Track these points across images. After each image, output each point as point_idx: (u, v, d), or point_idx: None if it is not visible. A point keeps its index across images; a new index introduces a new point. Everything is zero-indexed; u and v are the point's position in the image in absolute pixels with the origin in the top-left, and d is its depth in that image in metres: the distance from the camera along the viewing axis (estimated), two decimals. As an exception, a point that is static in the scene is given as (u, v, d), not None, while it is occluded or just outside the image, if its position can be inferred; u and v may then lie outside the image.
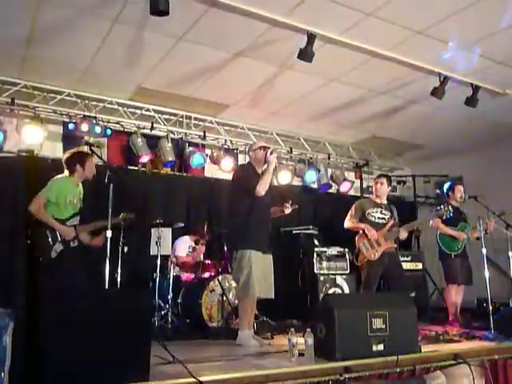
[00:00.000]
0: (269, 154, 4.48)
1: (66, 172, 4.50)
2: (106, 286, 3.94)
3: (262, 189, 4.35)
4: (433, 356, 3.59)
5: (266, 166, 4.50)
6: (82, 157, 4.52)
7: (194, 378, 2.64)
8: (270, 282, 4.43)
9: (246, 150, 5.58)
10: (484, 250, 4.96)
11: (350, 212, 5.43)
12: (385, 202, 5.47)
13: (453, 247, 5.79)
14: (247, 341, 4.20)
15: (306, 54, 4.64)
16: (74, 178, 4.48)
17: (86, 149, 6.22)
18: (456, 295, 5.78)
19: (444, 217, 5.47)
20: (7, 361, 2.34)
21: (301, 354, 3.38)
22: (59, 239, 4.22)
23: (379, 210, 5.37)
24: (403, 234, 5.26)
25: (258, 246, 4.34)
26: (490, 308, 4.74)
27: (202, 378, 2.64)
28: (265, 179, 4.39)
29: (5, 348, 2.35)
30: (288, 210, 4.65)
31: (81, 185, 4.57)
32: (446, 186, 6.16)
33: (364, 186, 8.68)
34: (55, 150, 6.31)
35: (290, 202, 4.65)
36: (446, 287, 5.93)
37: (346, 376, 3.10)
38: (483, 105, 5.77)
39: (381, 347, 3.38)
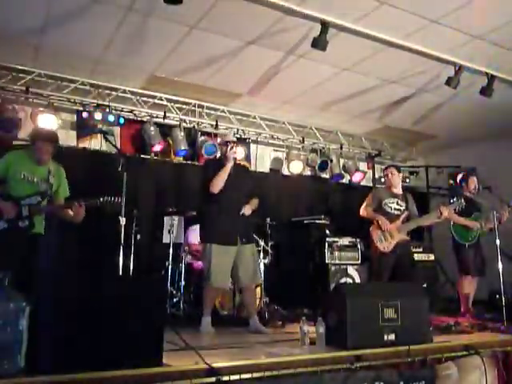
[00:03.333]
0: (228, 149, 4.56)
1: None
2: (120, 273, 3.98)
3: (214, 186, 4.43)
4: (444, 347, 3.58)
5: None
6: (33, 137, 4.21)
7: (206, 364, 2.67)
8: (251, 271, 4.51)
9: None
10: (498, 242, 4.93)
11: (366, 200, 5.40)
12: (400, 192, 5.43)
13: (466, 237, 5.74)
14: (204, 327, 4.36)
15: (319, 43, 4.60)
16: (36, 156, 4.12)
17: (98, 137, 6.36)
18: (469, 286, 5.75)
19: (458, 209, 5.41)
20: (24, 344, 2.39)
21: (312, 343, 3.40)
22: (4, 217, 3.91)
23: (395, 200, 5.33)
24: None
25: (217, 239, 4.42)
26: (503, 300, 4.72)
27: (214, 365, 2.67)
28: (218, 177, 4.44)
29: (21, 332, 2.39)
30: None
31: (55, 167, 4.24)
32: (459, 177, 6.11)
33: (376, 176, 8.62)
34: (69, 139, 6.36)
35: None
36: (459, 278, 5.90)
37: (357, 365, 3.11)
38: (498, 94, 5.69)
39: (392, 337, 3.38)
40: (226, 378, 2.65)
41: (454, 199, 5.41)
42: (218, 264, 4.38)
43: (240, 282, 4.53)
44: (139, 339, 2.59)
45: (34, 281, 3.06)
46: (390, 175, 5.43)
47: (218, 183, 4.44)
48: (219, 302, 5.28)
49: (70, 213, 4.07)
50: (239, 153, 7.11)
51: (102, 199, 4.07)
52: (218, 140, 4.86)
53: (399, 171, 5.50)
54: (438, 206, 5.28)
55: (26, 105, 6.06)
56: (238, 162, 4.88)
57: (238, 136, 7.37)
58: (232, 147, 4.59)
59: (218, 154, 5.76)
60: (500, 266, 4.87)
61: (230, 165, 4.52)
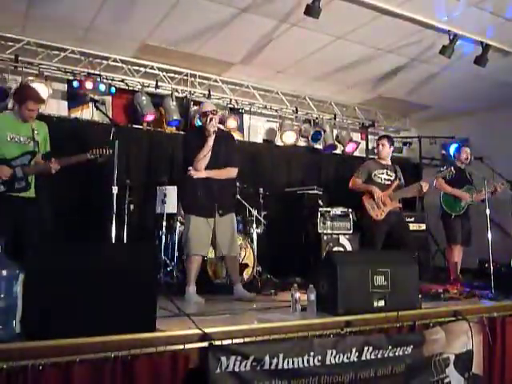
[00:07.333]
0: (208, 122, 4.28)
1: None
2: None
3: (198, 166, 4.27)
4: (432, 312, 3.66)
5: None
6: (20, 96, 4.18)
7: (199, 329, 2.72)
8: (228, 241, 4.44)
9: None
10: (488, 211, 4.99)
11: (355, 173, 5.46)
12: (389, 162, 5.51)
13: (454, 208, 5.82)
14: (190, 297, 4.29)
15: (312, 10, 4.53)
16: (18, 115, 4.14)
17: (90, 106, 6.29)
18: (457, 255, 5.85)
19: (447, 177, 5.47)
20: (18, 310, 2.42)
21: (303, 309, 3.47)
22: (0, 180, 3.96)
23: (385, 171, 5.41)
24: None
25: (195, 211, 4.36)
26: (492, 268, 4.80)
27: (206, 330, 2.73)
28: (201, 156, 4.25)
29: (16, 298, 2.42)
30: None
31: (38, 124, 4.25)
32: (452, 148, 6.13)
33: (370, 147, 8.63)
34: (60, 108, 6.30)
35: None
36: (447, 247, 5.99)
37: (347, 330, 3.18)
38: (493, 64, 5.66)
39: (382, 303, 3.45)
40: (218, 343, 2.71)
41: (443, 168, 5.47)
42: (196, 233, 4.33)
43: (218, 251, 4.50)
44: (132, 305, 2.62)
45: (26, 247, 3.08)
46: (380, 146, 5.51)
47: (202, 163, 4.27)
48: (212, 271, 5.34)
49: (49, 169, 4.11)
50: (232, 124, 7.12)
51: (91, 152, 4.15)
52: (198, 110, 4.57)
53: (391, 143, 5.55)
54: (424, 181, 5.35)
55: (16, 74, 5.96)
56: (220, 130, 4.54)
57: (232, 106, 7.34)
58: (211, 119, 4.28)
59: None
60: (489, 235, 4.93)
61: (210, 140, 4.29)
